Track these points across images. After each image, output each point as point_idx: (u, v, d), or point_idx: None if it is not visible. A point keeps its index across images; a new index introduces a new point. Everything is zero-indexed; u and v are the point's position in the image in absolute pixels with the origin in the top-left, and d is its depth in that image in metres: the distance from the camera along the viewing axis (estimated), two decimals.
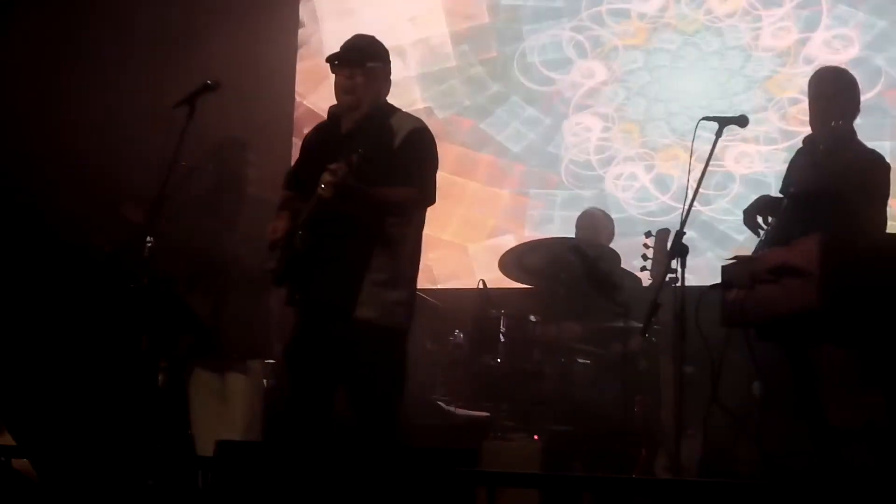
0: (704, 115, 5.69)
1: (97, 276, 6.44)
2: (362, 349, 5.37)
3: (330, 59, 5.61)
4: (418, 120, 5.74)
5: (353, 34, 5.72)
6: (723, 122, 5.67)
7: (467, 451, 5.51)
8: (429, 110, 8.97)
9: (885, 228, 5.77)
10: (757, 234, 5.75)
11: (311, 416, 5.44)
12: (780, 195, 5.88)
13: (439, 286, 8.55)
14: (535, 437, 6.66)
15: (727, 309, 5.11)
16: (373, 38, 5.71)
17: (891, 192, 5.91)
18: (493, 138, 8.82)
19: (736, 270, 5.12)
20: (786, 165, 6.31)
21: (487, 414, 7.09)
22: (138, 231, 5.53)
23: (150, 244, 5.44)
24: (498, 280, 7.67)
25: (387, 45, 5.66)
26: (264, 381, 6.79)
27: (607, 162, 8.46)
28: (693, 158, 5.54)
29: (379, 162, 5.36)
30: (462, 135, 8.92)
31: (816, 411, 4.74)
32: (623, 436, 6.85)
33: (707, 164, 5.62)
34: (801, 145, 6.20)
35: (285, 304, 5.64)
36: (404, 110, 5.74)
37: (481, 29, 9.00)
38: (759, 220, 5.76)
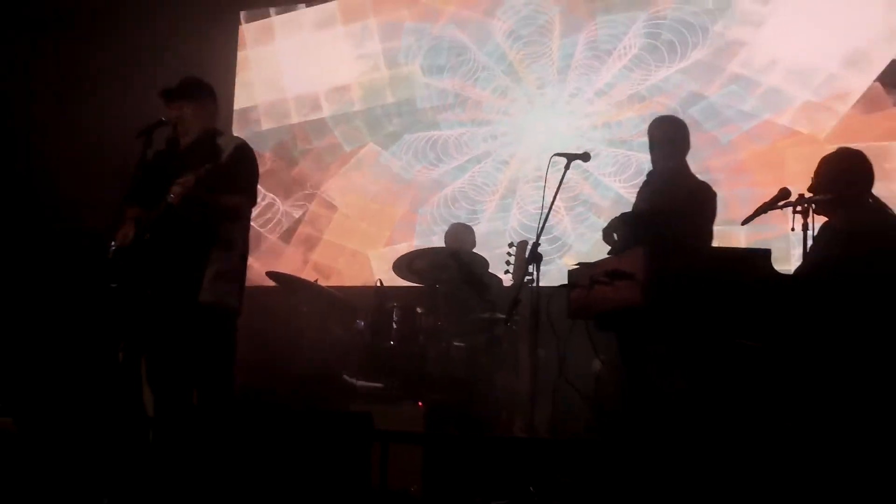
0: (556, 151, 5.76)
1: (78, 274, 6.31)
2: (204, 327, 5.33)
3: (162, 96, 5.58)
4: (240, 139, 5.79)
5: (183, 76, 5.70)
6: (570, 157, 5.71)
7: (365, 414, 5.54)
8: (338, 145, 9.01)
9: (710, 242, 5.81)
10: (609, 245, 5.81)
11: (163, 385, 5.38)
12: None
13: (346, 284, 8.54)
14: (420, 404, 6.67)
15: (572, 305, 5.16)
16: (198, 78, 5.73)
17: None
18: (390, 168, 8.84)
19: (579, 274, 5.19)
20: (621, 191, 6.33)
21: (382, 385, 7.08)
22: (105, 237, 5.45)
23: (113, 248, 5.37)
24: (392, 280, 7.69)
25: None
26: None
27: (483, 190, 8.52)
28: (546, 186, 5.59)
29: (210, 175, 5.31)
30: (365, 164, 8.94)
31: (641, 385, 4.81)
32: (489, 404, 6.90)
33: (557, 190, 5.65)
34: (644, 177, 6.25)
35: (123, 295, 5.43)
36: (230, 134, 5.74)
37: (381, 79, 9.03)
38: (615, 235, 5.81)
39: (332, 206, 8.99)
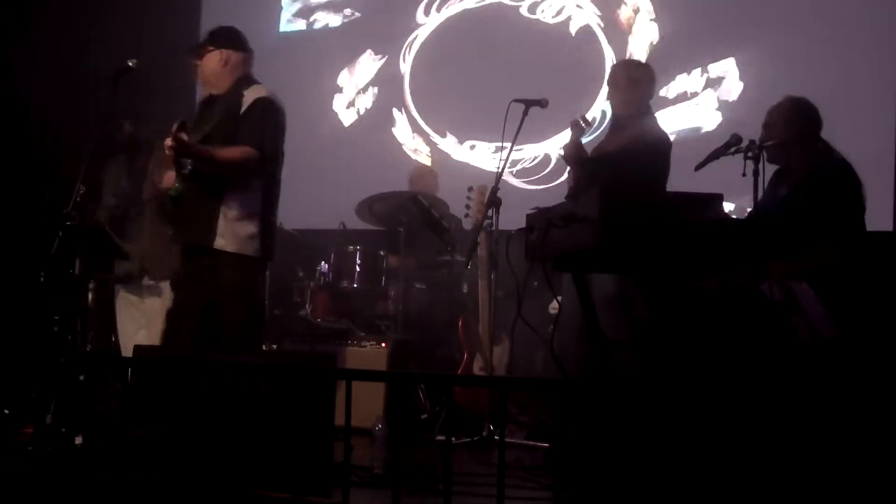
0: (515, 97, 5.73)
1: (41, 217, 6.23)
2: (223, 273, 5.29)
3: (186, 55, 5.51)
4: (266, 91, 5.42)
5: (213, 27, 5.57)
6: (528, 103, 5.71)
7: (329, 354, 5.55)
8: None
9: (665, 184, 5.59)
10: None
11: (190, 329, 5.37)
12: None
13: (311, 227, 8.50)
14: (383, 343, 6.69)
15: (529, 247, 5.16)
16: (220, 28, 5.57)
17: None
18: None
19: (536, 217, 5.18)
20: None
21: (346, 326, 7.09)
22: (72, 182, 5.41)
23: (81, 191, 5.32)
24: (354, 222, 7.67)
25: None
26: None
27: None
28: (505, 132, 5.57)
29: (228, 125, 5.27)
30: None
31: (595, 325, 4.82)
32: (449, 343, 6.93)
33: (516, 136, 5.65)
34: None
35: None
36: (261, 85, 5.47)
37: None
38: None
39: None
